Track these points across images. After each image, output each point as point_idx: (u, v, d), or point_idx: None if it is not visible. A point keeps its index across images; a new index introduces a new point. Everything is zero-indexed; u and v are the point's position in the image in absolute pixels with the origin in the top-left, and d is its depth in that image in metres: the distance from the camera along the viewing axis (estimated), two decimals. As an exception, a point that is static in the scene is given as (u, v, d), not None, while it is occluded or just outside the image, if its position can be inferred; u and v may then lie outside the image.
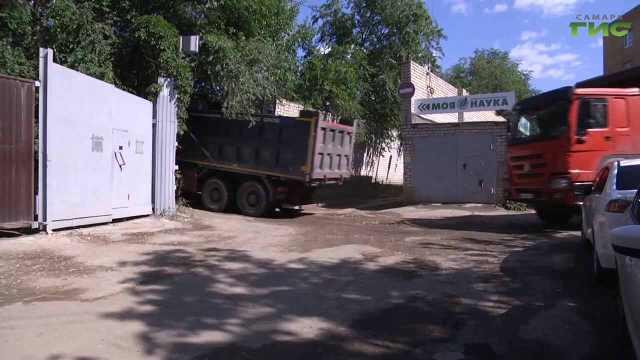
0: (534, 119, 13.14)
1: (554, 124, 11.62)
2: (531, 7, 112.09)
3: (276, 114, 16.74)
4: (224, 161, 14.49)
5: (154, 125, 12.36)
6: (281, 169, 13.84)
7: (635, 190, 4.61)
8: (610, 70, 45.87)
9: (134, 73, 14.32)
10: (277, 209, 14.80)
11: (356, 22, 29.26)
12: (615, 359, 3.84)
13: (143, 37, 12.10)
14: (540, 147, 11.81)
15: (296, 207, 14.63)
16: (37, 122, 8.68)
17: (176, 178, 12.91)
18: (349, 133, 15.75)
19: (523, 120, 13.51)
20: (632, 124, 10.95)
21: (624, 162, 7.38)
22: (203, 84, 16.69)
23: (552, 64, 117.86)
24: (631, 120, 10.96)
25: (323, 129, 13.83)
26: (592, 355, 3.88)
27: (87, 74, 10.40)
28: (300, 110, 17.30)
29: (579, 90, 11.39)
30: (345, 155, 15.83)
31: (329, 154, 14.52)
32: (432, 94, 21.65)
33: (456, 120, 21.78)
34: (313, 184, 14.19)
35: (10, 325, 4.29)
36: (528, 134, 13.14)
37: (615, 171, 6.98)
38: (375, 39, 29.21)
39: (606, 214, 5.96)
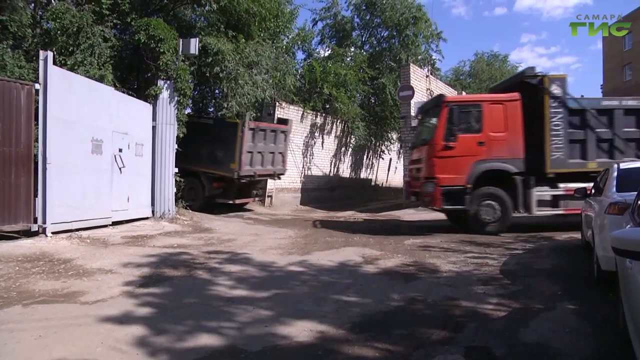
0: (423, 123, 13.32)
1: (432, 129, 11.86)
2: (530, 10, 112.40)
3: (211, 117, 17.14)
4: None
5: (153, 127, 12.36)
6: (215, 166, 14.89)
7: (635, 193, 4.61)
8: (610, 72, 46.02)
9: (134, 76, 14.34)
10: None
11: (356, 24, 29.31)
12: (615, 361, 3.83)
13: (143, 40, 12.11)
14: (420, 151, 12.16)
15: (230, 202, 15.59)
16: (37, 124, 8.69)
17: (176, 181, 12.91)
18: (283, 131, 16.40)
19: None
20: (509, 129, 11.19)
21: (624, 165, 7.39)
22: (202, 86, 16.72)
23: (551, 66, 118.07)
24: (509, 125, 11.20)
25: (252, 129, 14.74)
26: (592, 357, 3.88)
27: (87, 77, 10.42)
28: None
29: (449, 97, 11.92)
30: (280, 153, 16.50)
31: (259, 152, 15.35)
32: (431, 96, 21.67)
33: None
34: (242, 180, 15.04)
35: (10, 329, 4.28)
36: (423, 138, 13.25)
37: (615, 174, 6.98)
38: (375, 42, 29.26)
39: (606, 216, 5.95)
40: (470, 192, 10.99)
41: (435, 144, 11.26)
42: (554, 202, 11.32)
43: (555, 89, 11.20)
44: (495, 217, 11.16)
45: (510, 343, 4.14)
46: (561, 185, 11.22)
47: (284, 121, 17.34)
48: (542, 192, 11.27)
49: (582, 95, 12.22)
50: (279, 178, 17.29)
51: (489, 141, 11.10)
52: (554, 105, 11.18)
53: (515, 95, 11.40)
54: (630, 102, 11.55)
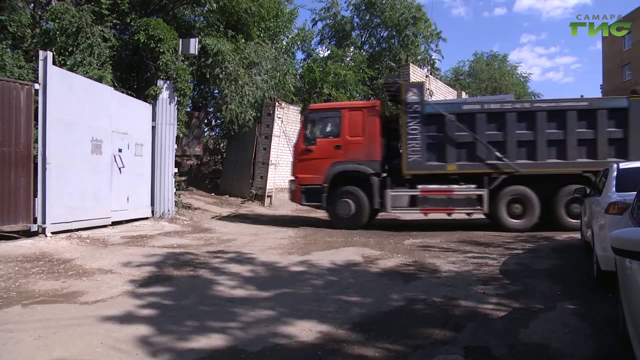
0: None
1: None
2: (530, 10, 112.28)
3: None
4: None
5: (153, 127, 12.36)
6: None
7: (635, 193, 4.61)
8: (610, 72, 46.03)
9: (133, 76, 14.36)
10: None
11: (355, 24, 29.34)
12: (615, 361, 3.83)
13: (142, 40, 12.12)
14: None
15: None
16: (36, 125, 8.70)
17: (175, 181, 12.91)
18: None
19: None
20: (367, 134, 12.06)
21: (624, 165, 7.38)
22: (202, 86, 16.72)
23: (551, 66, 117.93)
24: (366, 130, 12.07)
25: None
26: (592, 357, 3.87)
27: (87, 77, 10.42)
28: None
29: (312, 106, 13.02)
30: None
31: None
32: (431, 96, 21.66)
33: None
34: None
35: (9, 329, 4.27)
36: None
37: (615, 173, 6.97)
38: (374, 42, 29.29)
39: (606, 216, 5.95)
40: (327, 190, 12.05)
41: (297, 148, 12.77)
42: (413, 202, 11.90)
43: (412, 96, 11.76)
44: (349, 213, 12.06)
45: (510, 343, 4.14)
46: (419, 186, 11.75)
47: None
48: (398, 193, 11.87)
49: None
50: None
51: (345, 145, 12.10)
52: (410, 110, 11.72)
53: (375, 102, 12.57)
54: (493, 106, 12.01)
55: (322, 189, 12.09)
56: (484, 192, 11.49)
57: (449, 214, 12.42)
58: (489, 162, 11.45)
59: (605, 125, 11.12)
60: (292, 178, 12.84)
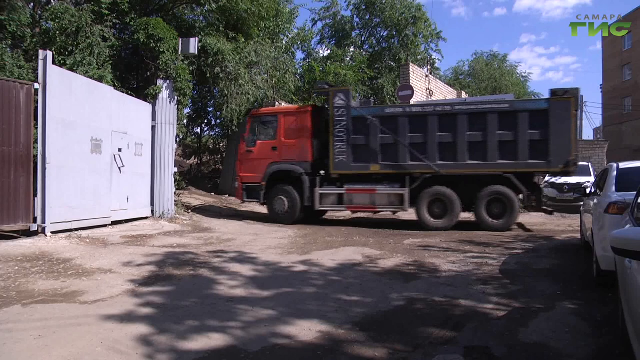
0: None
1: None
2: (530, 10, 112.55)
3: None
4: None
5: (153, 127, 12.36)
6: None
7: (635, 193, 4.61)
8: (610, 72, 46.04)
9: (133, 75, 14.36)
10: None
11: (355, 24, 29.34)
12: (615, 361, 3.83)
13: (142, 40, 12.12)
14: None
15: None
16: (36, 124, 8.70)
17: (175, 180, 12.91)
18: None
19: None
20: (300, 136, 12.93)
21: (623, 165, 7.38)
22: (202, 86, 16.73)
23: (551, 66, 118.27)
24: (299, 133, 12.94)
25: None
26: (592, 357, 3.87)
27: (87, 77, 10.41)
28: None
29: (255, 111, 14.17)
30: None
31: None
32: (431, 96, 21.69)
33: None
34: None
35: (9, 329, 4.27)
36: None
37: (615, 173, 6.96)
38: (374, 42, 29.28)
39: (605, 216, 5.95)
40: (264, 188, 13.06)
41: (240, 149, 13.85)
42: (340, 200, 12.62)
43: (339, 101, 12.47)
44: (284, 209, 13.05)
45: (510, 343, 4.14)
46: (345, 185, 12.50)
47: None
48: (326, 191, 12.70)
49: (534, 97, 12.58)
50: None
51: (281, 146, 13.03)
52: (337, 114, 12.45)
53: (307, 107, 13.41)
54: (415, 109, 12.55)
55: (261, 187, 13.14)
56: (405, 192, 12.04)
57: (375, 212, 13.28)
58: (410, 163, 11.99)
59: (526, 127, 11.30)
60: (237, 176, 13.87)
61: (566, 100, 11.12)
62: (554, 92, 11.60)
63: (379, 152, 12.16)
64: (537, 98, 12.92)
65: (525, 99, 12.43)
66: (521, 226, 12.97)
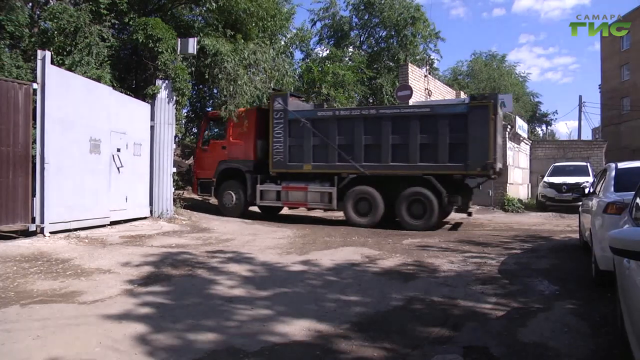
0: None
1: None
2: (529, 11, 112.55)
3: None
4: None
5: (151, 127, 12.34)
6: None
7: (633, 193, 4.61)
8: (608, 73, 46.07)
9: (132, 75, 14.35)
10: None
11: (354, 24, 29.31)
12: (613, 361, 3.84)
13: (141, 40, 12.10)
14: None
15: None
16: (34, 124, 8.68)
17: (174, 180, 12.90)
18: None
19: None
20: (245, 137, 13.96)
21: (622, 165, 7.39)
22: (201, 86, 16.71)
23: (550, 67, 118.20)
24: (245, 134, 13.97)
25: None
26: (591, 357, 3.88)
27: (85, 77, 10.39)
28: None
29: (210, 113, 14.97)
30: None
31: None
32: (430, 96, 21.69)
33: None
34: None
35: (7, 329, 4.27)
36: None
37: (613, 173, 6.98)
38: (373, 42, 29.26)
39: (604, 216, 5.96)
40: (215, 184, 14.11)
41: (197, 147, 15.17)
42: (278, 196, 13.55)
43: (277, 104, 13.35)
44: (231, 204, 14.08)
45: (509, 343, 4.14)
46: (283, 183, 13.46)
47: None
48: (265, 188, 13.65)
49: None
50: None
51: (229, 146, 14.11)
52: (276, 117, 13.37)
53: (252, 110, 14.27)
54: (343, 112, 13.45)
55: (212, 183, 14.28)
56: (333, 190, 12.82)
57: (308, 209, 14.31)
58: (338, 163, 12.75)
59: (445, 131, 11.74)
60: (194, 173, 15.22)
61: (484, 105, 11.52)
62: (473, 97, 12.35)
63: (311, 152, 13.03)
64: (457, 103, 13.36)
65: (446, 103, 13.12)
66: (457, 225, 13.54)
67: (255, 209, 15.62)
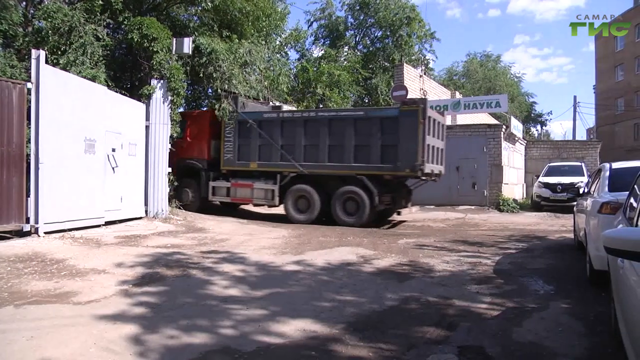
0: None
1: None
2: (524, 12, 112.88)
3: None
4: None
5: (147, 127, 12.30)
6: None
7: (627, 193, 4.64)
8: (603, 73, 46.28)
9: (127, 75, 14.30)
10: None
11: (349, 24, 29.33)
12: (608, 360, 3.85)
13: (136, 39, 12.06)
14: None
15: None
16: (29, 124, 8.63)
17: (169, 180, 12.87)
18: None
19: None
20: (200, 136, 14.73)
21: (616, 165, 7.43)
22: (196, 86, 16.67)
23: (544, 67, 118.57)
24: (200, 134, 14.74)
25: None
26: (585, 356, 3.89)
27: (80, 76, 10.35)
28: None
29: (181, 112, 15.12)
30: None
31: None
32: (425, 96, 21.71)
33: (449, 123, 21.85)
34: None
35: (1, 330, 4.24)
36: None
37: (608, 173, 7.01)
38: (368, 42, 29.29)
39: (598, 216, 5.99)
40: (175, 180, 14.04)
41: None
42: (227, 192, 14.31)
43: (228, 105, 13.88)
44: (189, 199, 14.56)
45: (504, 342, 4.15)
46: (232, 180, 14.23)
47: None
48: (216, 185, 14.39)
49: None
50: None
51: (187, 145, 14.67)
52: (227, 117, 14.00)
53: (207, 112, 14.95)
54: (286, 114, 14.17)
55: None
56: (275, 188, 13.56)
57: (254, 205, 14.79)
58: (280, 162, 13.52)
59: (378, 133, 12.46)
60: None
61: (414, 110, 12.09)
62: (403, 102, 13.13)
63: (257, 152, 13.82)
64: (389, 107, 14.25)
65: (378, 108, 14.29)
66: (399, 222, 14.24)
67: (254, 209, 15.63)
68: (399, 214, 14.24)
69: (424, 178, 12.82)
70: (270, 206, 14.21)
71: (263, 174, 13.84)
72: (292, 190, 13.41)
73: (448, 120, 22.38)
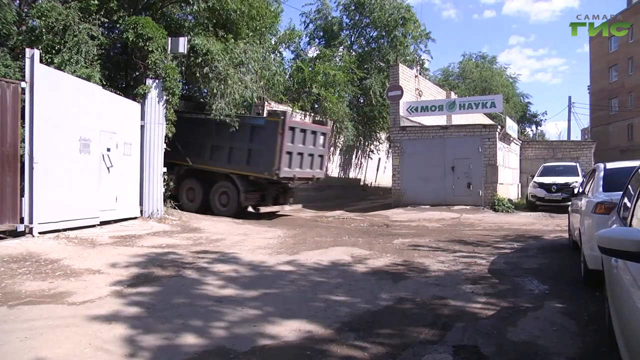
0: None
1: None
2: (519, 13, 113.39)
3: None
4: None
5: (142, 127, 12.27)
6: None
7: (621, 193, 4.66)
8: (597, 74, 46.47)
9: (122, 74, 14.24)
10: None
11: (344, 25, 29.30)
12: (601, 359, 3.87)
13: (131, 39, 12.01)
14: None
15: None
16: (23, 123, 8.58)
17: (164, 180, 12.84)
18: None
19: None
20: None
21: (611, 165, 7.46)
22: (191, 85, 16.63)
23: (539, 68, 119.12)
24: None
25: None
26: (579, 356, 3.91)
27: (74, 76, 10.30)
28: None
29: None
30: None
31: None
32: (420, 96, 21.76)
33: (445, 123, 21.90)
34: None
35: (-5, 330, 4.22)
36: None
37: (602, 173, 7.05)
38: (363, 42, 29.29)
39: (593, 215, 6.01)
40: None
41: None
42: None
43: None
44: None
45: (499, 342, 4.16)
46: None
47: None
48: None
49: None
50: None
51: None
52: None
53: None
54: (186, 115, 14.74)
55: None
56: (172, 178, 14.17)
57: None
58: (179, 155, 14.40)
59: (248, 138, 14.24)
60: None
61: (275, 121, 13.83)
62: (269, 113, 14.97)
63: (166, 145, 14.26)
64: (259, 116, 16.11)
65: (252, 116, 16.03)
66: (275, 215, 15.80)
67: (249, 209, 15.61)
68: (277, 211, 16.34)
69: (284, 182, 14.79)
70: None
71: (171, 166, 14.01)
72: (184, 182, 15.10)
73: (443, 120, 22.50)
